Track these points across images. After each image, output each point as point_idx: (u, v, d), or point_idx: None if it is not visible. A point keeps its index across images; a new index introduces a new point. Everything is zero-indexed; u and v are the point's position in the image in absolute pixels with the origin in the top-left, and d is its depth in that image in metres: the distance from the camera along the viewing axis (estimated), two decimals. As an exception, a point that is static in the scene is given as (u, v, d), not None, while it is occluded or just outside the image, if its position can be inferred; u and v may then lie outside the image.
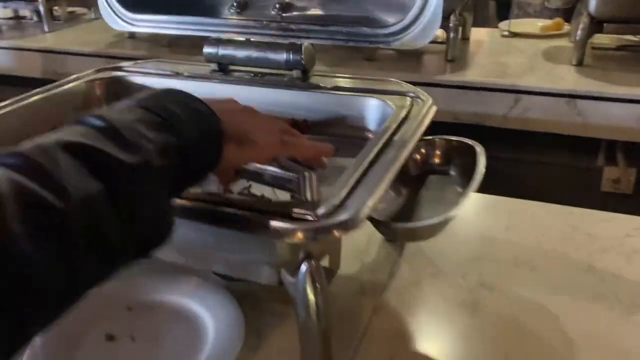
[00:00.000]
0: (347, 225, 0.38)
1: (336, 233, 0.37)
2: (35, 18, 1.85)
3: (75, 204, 0.26)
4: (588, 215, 0.73)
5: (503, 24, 1.60)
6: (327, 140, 0.59)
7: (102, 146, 0.29)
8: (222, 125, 0.38)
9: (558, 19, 1.57)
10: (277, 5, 0.68)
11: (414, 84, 1.26)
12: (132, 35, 1.62)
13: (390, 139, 0.50)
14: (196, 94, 0.71)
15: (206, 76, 0.72)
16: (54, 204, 0.25)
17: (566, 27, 1.53)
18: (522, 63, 1.34)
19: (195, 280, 0.58)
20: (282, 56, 0.66)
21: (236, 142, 0.40)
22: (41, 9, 1.73)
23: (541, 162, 1.31)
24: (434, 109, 0.57)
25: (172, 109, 0.35)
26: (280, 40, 0.67)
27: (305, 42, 0.66)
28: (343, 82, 0.66)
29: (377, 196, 0.41)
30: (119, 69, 0.74)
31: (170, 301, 0.57)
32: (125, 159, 0.29)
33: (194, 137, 0.35)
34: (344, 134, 0.63)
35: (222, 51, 0.69)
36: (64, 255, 0.25)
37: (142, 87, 0.72)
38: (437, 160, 0.60)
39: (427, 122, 0.54)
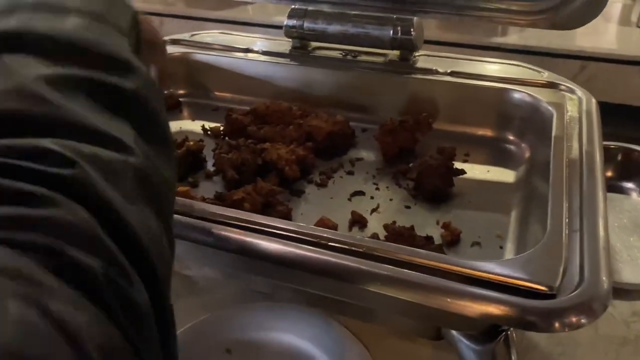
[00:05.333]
0: (596, 307, 0.28)
1: (583, 320, 0.28)
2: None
3: None
4: None
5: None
6: (452, 143, 0.49)
7: None
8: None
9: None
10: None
11: (465, 45, 1.13)
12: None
13: (574, 158, 0.40)
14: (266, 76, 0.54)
15: (285, 54, 0.60)
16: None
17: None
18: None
19: (300, 314, 0.49)
20: (386, 32, 0.55)
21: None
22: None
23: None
24: (596, 105, 0.47)
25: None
26: (384, 14, 0.55)
27: (415, 18, 0.54)
28: (460, 65, 0.55)
29: (605, 255, 0.31)
30: (178, 42, 0.62)
31: (275, 339, 0.47)
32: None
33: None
34: (473, 134, 0.52)
35: (309, 24, 0.57)
36: None
37: (209, 67, 0.60)
38: (609, 174, 0.50)
39: (599, 129, 0.44)
